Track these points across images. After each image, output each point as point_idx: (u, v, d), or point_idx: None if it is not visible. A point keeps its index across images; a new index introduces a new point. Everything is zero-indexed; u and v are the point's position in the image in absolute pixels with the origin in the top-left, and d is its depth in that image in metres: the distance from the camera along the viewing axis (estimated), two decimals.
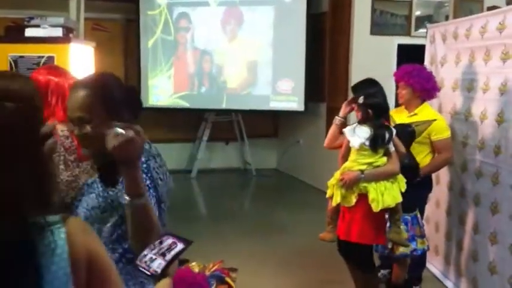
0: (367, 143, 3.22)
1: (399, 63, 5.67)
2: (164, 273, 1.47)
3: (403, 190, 3.31)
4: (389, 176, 3.27)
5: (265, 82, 7.80)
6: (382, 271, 4.21)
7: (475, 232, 3.77)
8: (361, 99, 3.26)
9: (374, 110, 3.24)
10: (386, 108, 3.37)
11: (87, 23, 6.32)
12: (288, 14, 7.57)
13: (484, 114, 3.66)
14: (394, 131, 3.29)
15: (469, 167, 3.87)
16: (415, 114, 3.82)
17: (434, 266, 4.43)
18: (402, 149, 3.35)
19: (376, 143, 3.22)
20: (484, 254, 3.63)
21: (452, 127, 4.05)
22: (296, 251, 5.06)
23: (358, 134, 3.25)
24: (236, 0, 7.77)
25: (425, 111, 3.84)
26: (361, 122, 3.28)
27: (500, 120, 3.46)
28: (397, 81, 3.82)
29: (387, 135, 3.23)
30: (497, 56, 3.51)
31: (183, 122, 8.51)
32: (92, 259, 1.17)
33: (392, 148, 3.28)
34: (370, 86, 3.41)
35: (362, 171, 3.24)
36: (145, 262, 1.47)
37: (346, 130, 3.32)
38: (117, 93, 1.78)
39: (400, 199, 3.29)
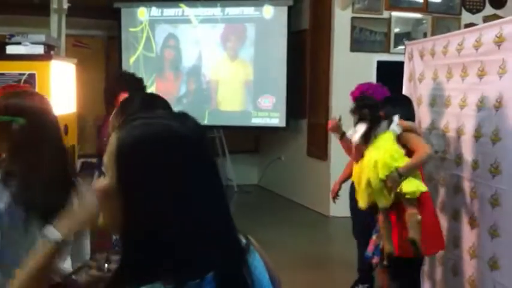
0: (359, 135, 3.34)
1: (378, 79, 5.75)
2: None
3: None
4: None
5: (246, 98, 7.85)
6: (360, 285, 4.22)
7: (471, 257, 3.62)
8: (352, 107, 3.44)
9: (368, 108, 3.38)
10: (377, 104, 3.46)
11: (68, 40, 6.32)
12: (269, 31, 7.65)
13: (462, 130, 3.72)
14: (396, 117, 3.37)
15: (446, 182, 3.91)
16: None
17: None
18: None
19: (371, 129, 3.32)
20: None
21: (431, 142, 4.11)
22: (281, 268, 5.03)
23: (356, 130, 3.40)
24: (218, 17, 7.83)
25: None
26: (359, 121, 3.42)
27: (477, 135, 3.53)
28: (354, 100, 3.86)
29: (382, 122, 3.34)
30: (473, 73, 3.57)
31: None
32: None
33: (396, 130, 3.34)
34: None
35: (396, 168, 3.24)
36: None
37: (347, 134, 3.53)
38: None
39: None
